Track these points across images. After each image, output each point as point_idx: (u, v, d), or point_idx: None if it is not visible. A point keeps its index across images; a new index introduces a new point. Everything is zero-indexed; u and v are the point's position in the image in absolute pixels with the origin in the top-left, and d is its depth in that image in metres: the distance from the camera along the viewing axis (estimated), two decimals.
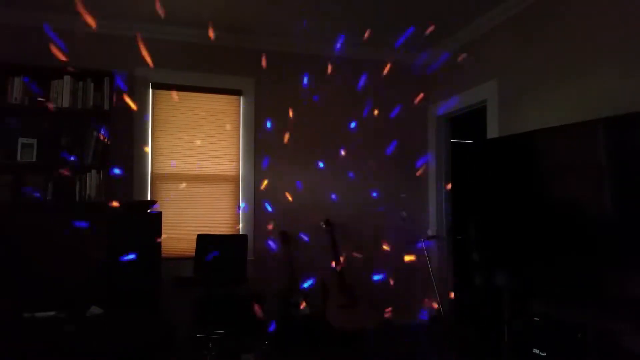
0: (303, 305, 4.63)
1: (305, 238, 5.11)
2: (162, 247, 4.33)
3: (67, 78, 4.35)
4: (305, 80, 5.24)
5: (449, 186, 5.44)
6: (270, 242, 5.03)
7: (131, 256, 3.90)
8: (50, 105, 4.29)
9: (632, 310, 2.97)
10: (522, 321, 3.68)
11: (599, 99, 3.42)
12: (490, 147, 4.05)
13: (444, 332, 4.93)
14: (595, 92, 3.46)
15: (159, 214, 4.36)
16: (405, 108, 5.53)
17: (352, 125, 5.35)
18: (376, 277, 5.19)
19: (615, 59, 3.32)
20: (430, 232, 5.44)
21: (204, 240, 4.67)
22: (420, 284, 5.37)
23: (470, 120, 5.29)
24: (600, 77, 3.42)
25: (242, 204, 5.01)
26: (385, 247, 5.32)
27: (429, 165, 5.56)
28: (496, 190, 3.86)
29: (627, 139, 2.91)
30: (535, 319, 3.55)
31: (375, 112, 5.42)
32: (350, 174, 5.34)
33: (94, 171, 4.37)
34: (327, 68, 5.31)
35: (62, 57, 4.19)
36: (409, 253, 5.32)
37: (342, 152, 5.32)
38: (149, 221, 4.31)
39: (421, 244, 5.18)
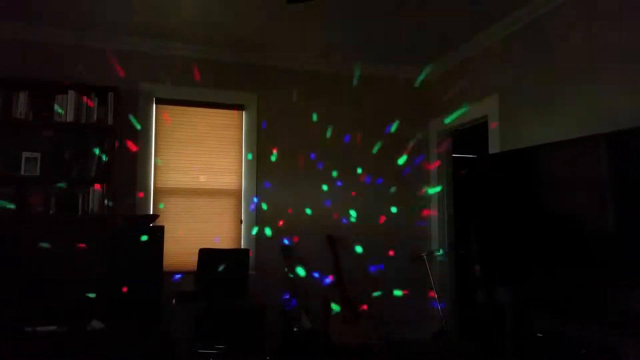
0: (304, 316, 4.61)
1: (308, 253, 5.10)
2: (163, 261, 4.33)
3: (71, 93, 4.38)
4: (307, 95, 5.29)
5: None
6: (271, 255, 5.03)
7: None
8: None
9: (636, 326, 2.95)
10: (525, 336, 3.65)
11: (601, 114, 3.43)
12: (492, 161, 4.06)
13: (447, 347, 4.89)
14: (596, 107, 3.47)
15: (161, 228, 4.37)
16: (406, 123, 5.57)
17: (354, 140, 5.38)
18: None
19: (617, 74, 3.34)
20: (432, 247, 5.43)
21: (205, 254, 4.66)
22: (423, 299, 5.33)
23: (472, 135, 5.31)
24: (602, 92, 3.44)
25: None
26: (388, 261, 5.32)
27: (431, 179, 5.57)
28: (498, 204, 3.86)
29: (628, 154, 2.92)
30: (538, 334, 3.52)
31: (377, 126, 5.45)
32: (353, 189, 5.34)
33: (96, 185, 4.38)
34: (328, 83, 5.36)
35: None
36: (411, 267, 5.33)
37: (344, 167, 5.34)
38: (151, 235, 4.31)
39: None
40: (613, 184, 3.00)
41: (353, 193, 5.34)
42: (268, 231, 5.06)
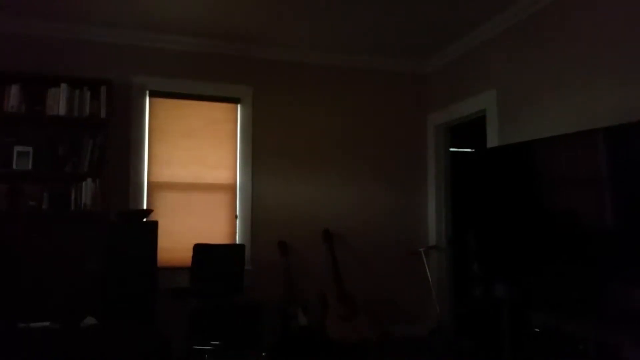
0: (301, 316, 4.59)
1: (304, 248, 5.07)
2: (158, 257, 4.30)
3: (63, 86, 4.32)
4: (303, 89, 5.24)
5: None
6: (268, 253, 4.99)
7: None
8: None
9: (634, 322, 2.93)
10: (522, 332, 3.63)
11: (599, 109, 3.40)
12: (490, 156, 4.02)
13: (444, 343, 4.87)
14: (595, 102, 3.44)
15: (155, 223, 4.33)
16: (404, 117, 5.53)
17: (351, 133, 5.34)
18: None
19: (615, 69, 3.31)
20: (430, 243, 5.40)
21: (200, 249, 4.62)
22: (420, 295, 5.31)
23: (470, 129, 5.27)
24: (600, 87, 3.41)
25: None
26: (385, 257, 5.29)
27: (429, 174, 5.53)
28: (496, 200, 3.83)
29: (627, 148, 2.89)
30: (535, 330, 3.51)
31: (374, 121, 5.41)
32: (349, 184, 5.30)
33: (89, 180, 4.33)
34: (325, 77, 5.31)
35: None
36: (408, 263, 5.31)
37: (341, 161, 5.29)
38: (145, 230, 4.28)
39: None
40: (611, 179, 2.97)
41: (350, 187, 5.30)
42: (263, 226, 5.02)
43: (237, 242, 4.97)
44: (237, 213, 4.99)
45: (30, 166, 4.28)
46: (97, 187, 4.35)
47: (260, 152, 5.08)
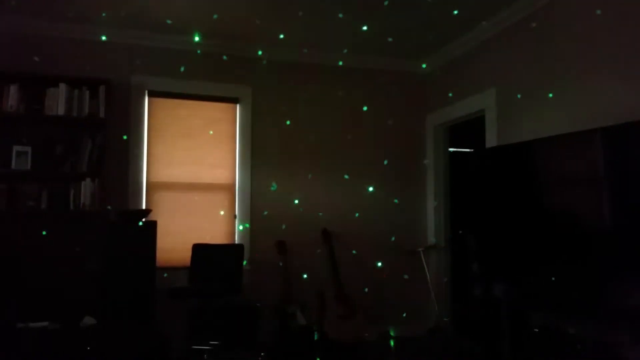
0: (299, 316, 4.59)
1: (303, 248, 5.06)
2: (157, 257, 4.29)
3: (62, 86, 4.32)
4: (303, 89, 5.23)
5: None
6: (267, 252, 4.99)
7: None
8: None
9: (632, 321, 2.93)
10: (522, 332, 3.63)
11: (599, 109, 3.39)
12: (489, 156, 4.02)
13: (443, 343, 4.87)
14: (594, 102, 3.44)
15: (154, 223, 4.32)
16: (403, 117, 5.52)
17: (350, 133, 5.33)
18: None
19: (615, 68, 3.30)
20: (429, 242, 5.39)
21: (199, 249, 4.61)
22: (419, 295, 5.30)
23: (469, 129, 5.26)
24: (600, 87, 3.40)
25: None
26: (384, 256, 5.28)
27: (428, 173, 5.52)
28: (495, 200, 3.83)
29: (625, 148, 2.89)
30: (534, 330, 3.50)
31: (373, 120, 5.40)
32: (348, 184, 5.29)
33: (88, 179, 4.33)
34: (324, 77, 5.30)
35: None
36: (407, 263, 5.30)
37: (340, 161, 5.29)
38: (144, 230, 4.27)
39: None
40: (610, 178, 2.97)
41: (349, 187, 5.29)
42: (262, 226, 5.01)
43: (236, 241, 4.96)
44: (236, 213, 4.99)
45: (29, 166, 4.27)
46: (96, 187, 4.35)
47: (259, 151, 5.07)
